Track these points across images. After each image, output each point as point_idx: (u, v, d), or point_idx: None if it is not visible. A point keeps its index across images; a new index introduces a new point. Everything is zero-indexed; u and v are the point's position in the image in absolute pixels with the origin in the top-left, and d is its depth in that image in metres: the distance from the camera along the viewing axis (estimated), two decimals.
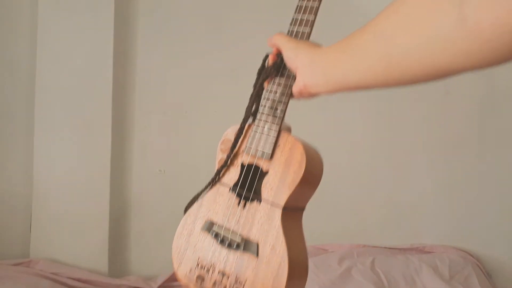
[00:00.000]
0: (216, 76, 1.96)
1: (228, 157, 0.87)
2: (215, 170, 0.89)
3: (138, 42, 2.00)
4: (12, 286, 1.56)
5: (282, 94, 0.83)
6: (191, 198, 0.95)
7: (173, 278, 1.82)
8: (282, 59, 0.81)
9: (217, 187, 0.89)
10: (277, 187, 0.80)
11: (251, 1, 1.93)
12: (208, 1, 1.99)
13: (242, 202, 0.84)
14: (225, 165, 0.87)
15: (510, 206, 1.89)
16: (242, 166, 0.86)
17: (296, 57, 0.72)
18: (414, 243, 1.91)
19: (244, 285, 0.79)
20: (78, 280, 1.74)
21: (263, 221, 0.80)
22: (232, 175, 0.87)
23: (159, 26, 2.01)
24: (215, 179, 0.89)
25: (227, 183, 0.87)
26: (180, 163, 1.98)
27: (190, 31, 1.99)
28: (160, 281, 1.79)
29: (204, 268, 0.85)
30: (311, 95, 0.74)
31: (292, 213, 0.82)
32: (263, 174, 0.83)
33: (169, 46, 2.00)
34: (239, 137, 0.87)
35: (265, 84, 0.85)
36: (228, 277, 0.81)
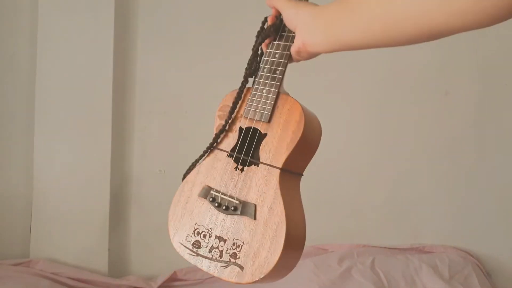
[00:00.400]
0: (216, 76, 1.96)
1: (226, 122, 0.86)
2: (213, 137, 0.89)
3: (138, 42, 2.00)
4: (12, 286, 1.56)
5: (281, 56, 0.82)
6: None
7: (173, 278, 1.83)
8: (281, 21, 0.80)
9: (215, 153, 0.88)
10: (275, 148, 0.79)
11: (251, 1, 1.93)
12: (208, 1, 1.99)
13: (240, 166, 0.83)
14: (223, 131, 0.86)
15: (509, 206, 1.90)
16: (240, 130, 0.85)
17: (296, 15, 0.72)
18: (414, 243, 1.91)
19: (241, 249, 0.78)
20: (78, 280, 1.75)
21: (260, 183, 0.79)
22: (230, 141, 0.86)
23: (159, 26, 2.00)
24: (213, 145, 0.88)
25: (225, 149, 0.86)
26: (180, 163, 1.97)
27: (190, 31, 1.99)
28: (160, 281, 1.79)
29: (200, 234, 0.84)
30: (310, 55, 0.74)
31: (291, 176, 0.81)
32: (262, 137, 0.82)
33: (169, 46, 2.00)
34: (238, 102, 0.86)
35: (264, 47, 0.85)
36: (225, 242, 0.80)
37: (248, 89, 0.87)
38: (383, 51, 1.96)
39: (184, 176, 0.92)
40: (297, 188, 0.84)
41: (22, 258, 1.85)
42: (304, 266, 1.67)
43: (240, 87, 0.87)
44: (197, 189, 0.88)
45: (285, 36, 0.82)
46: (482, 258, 1.88)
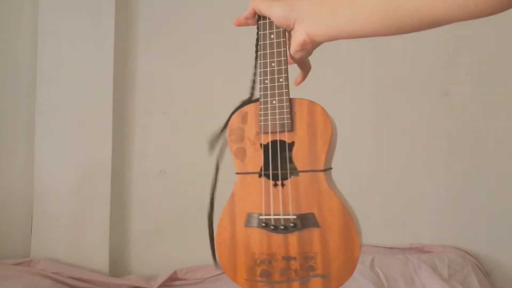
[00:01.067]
0: (216, 76, 1.97)
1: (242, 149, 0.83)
2: (234, 163, 0.85)
3: (138, 42, 2.00)
4: (13, 285, 1.55)
5: (279, 63, 0.80)
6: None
7: (173, 277, 1.83)
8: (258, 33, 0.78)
9: (242, 179, 0.84)
10: (308, 153, 0.78)
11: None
12: (208, 2, 2.00)
13: (278, 182, 0.80)
14: (221, 156, 0.85)
15: (509, 206, 1.90)
16: (264, 147, 0.82)
17: (292, 11, 0.71)
18: (413, 242, 1.91)
19: (316, 260, 0.76)
20: (79, 279, 1.75)
21: (309, 191, 0.77)
22: (256, 161, 0.82)
23: (159, 26, 2.01)
24: (217, 174, 0.86)
25: (253, 171, 0.83)
26: (180, 163, 1.98)
27: (190, 32, 1.99)
28: (160, 280, 1.79)
29: (264, 262, 0.80)
30: (315, 45, 0.73)
31: (329, 173, 0.81)
32: (290, 146, 0.80)
33: (170, 46, 2.00)
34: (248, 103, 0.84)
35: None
36: (296, 259, 0.78)
37: (249, 106, 0.84)
38: (382, 51, 1.96)
39: (210, 216, 0.86)
40: (333, 180, 0.84)
41: (23, 257, 1.85)
42: None
43: (246, 102, 0.84)
44: (240, 220, 0.83)
45: (275, 42, 0.80)
46: (481, 258, 1.88)
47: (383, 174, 1.95)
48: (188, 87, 2.00)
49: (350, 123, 1.97)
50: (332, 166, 0.85)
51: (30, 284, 1.58)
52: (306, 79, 2.08)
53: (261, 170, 0.82)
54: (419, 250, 1.88)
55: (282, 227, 0.78)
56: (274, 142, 0.81)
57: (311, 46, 0.74)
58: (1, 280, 1.57)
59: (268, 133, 0.81)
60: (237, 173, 0.85)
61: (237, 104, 0.86)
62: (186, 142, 1.96)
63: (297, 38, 0.72)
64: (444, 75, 1.94)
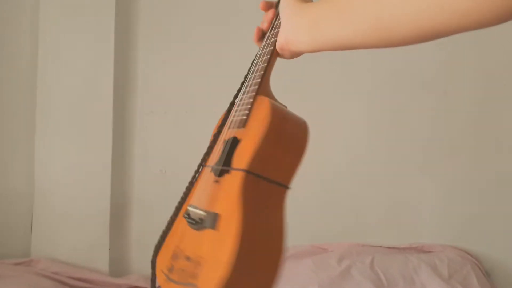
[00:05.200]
0: (217, 76, 1.96)
1: (216, 135, 0.79)
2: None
3: (139, 42, 2.00)
4: (13, 285, 1.56)
5: (264, 60, 0.75)
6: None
7: None
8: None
9: (205, 170, 0.81)
10: (244, 152, 0.70)
11: (252, 1, 1.93)
12: (208, 2, 2.00)
13: (216, 178, 0.73)
14: (211, 147, 0.79)
15: (508, 206, 1.90)
16: (224, 142, 0.77)
17: (285, 6, 0.66)
18: (413, 242, 1.91)
19: (201, 266, 0.65)
20: (79, 279, 1.75)
21: (226, 190, 0.69)
22: (215, 155, 0.78)
23: (160, 26, 2.01)
24: (200, 165, 0.81)
25: (209, 164, 0.79)
26: (180, 163, 1.98)
27: (190, 32, 1.99)
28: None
29: (175, 256, 0.73)
30: (292, 54, 0.68)
31: (263, 183, 0.67)
32: (237, 143, 0.73)
33: (170, 46, 2.00)
34: (228, 116, 0.79)
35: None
36: (189, 259, 0.69)
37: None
38: (381, 51, 1.96)
39: (179, 205, 0.81)
40: (274, 199, 0.69)
41: (23, 257, 1.85)
42: (303, 265, 1.68)
43: (233, 100, 0.80)
44: (184, 209, 0.79)
45: (267, 35, 0.76)
46: (481, 258, 1.88)
47: (382, 174, 1.95)
48: (188, 87, 2.00)
49: (349, 123, 1.98)
50: (289, 186, 0.70)
51: (30, 284, 1.58)
52: (306, 80, 2.08)
53: (215, 164, 0.76)
54: (419, 249, 1.88)
55: (194, 221, 0.71)
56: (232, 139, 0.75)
57: (289, 53, 0.68)
58: (2, 279, 1.57)
59: (231, 129, 0.76)
60: (203, 165, 0.84)
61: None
62: (187, 142, 1.96)
63: (278, 40, 0.68)
64: (443, 74, 1.94)
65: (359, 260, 1.73)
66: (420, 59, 1.90)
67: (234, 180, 0.68)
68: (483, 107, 1.93)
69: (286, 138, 0.70)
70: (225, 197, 0.68)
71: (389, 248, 1.87)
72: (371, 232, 1.96)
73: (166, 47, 2.00)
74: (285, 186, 0.70)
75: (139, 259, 1.99)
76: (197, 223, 0.70)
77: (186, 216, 0.74)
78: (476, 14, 0.39)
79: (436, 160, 1.94)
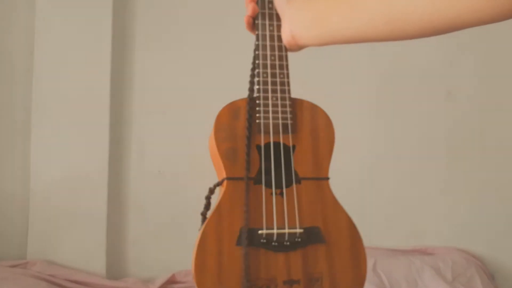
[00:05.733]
0: (215, 76, 1.95)
1: (247, 146, 0.70)
2: (222, 165, 0.73)
3: (136, 41, 1.99)
4: (8, 287, 1.54)
5: (280, 57, 0.73)
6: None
7: (171, 280, 1.81)
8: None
9: (234, 185, 0.70)
10: (312, 159, 0.71)
11: None
12: (207, 1, 1.98)
13: (277, 190, 0.70)
14: (248, 158, 0.70)
15: None
16: (259, 148, 0.72)
17: (287, 1, 0.65)
18: (416, 244, 1.90)
19: (322, 281, 0.66)
20: (76, 282, 1.73)
21: (312, 201, 0.69)
22: (251, 164, 0.71)
23: (157, 25, 1.99)
24: (255, 182, 0.71)
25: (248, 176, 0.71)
26: (179, 164, 1.96)
27: (189, 31, 1.98)
28: (158, 283, 1.78)
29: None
30: (299, 48, 0.67)
31: (329, 182, 0.75)
32: (290, 150, 0.71)
33: (168, 45, 1.99)
34: (251, 119, 0.72)
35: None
36: (299, 283, 0.66)
37: (243, 100, 0.75)
38: (384, 51, 1.94)
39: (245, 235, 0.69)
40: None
41: (19, 259, 1.83)
42: None
43: (249, 101, 0.74)
44: (230, 238, 0.68)
45: (276, 34, 0.73)
46: (485, 260, 1.87)
47: (385, 175, 1.94)
48: (188, 87, 1.98)
49: (352, 123, 1.96)
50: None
51: (26, 286, 1.57)
52: (308, 78, 2.05)
53: (257, 175, 0.70)
54: (422, 252, 1.87)
55: (285, 246, 0.66)
56: (272, 144, 0.71)
57: (296, 48, 0.67)
58: None
59: (266, 133, 0.71)
60: (227, 178, 0.71)
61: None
62: (185, 143, 1.94)
63: (282, 36, 0.67)
64: (446, 74, 1.93)
65: None
66: (423, 58, 1.89)
67: (317, 189, 0.70)
68: (486, 107, 1.92)
69: (334, 138, 0.76)
70: (314, 207, 0.69)
71: (392, 250, 1.86)
72: (374, 234, 1.94)
73: (164, 46, 1.99)
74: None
75: (136, 262, 1.97)
76: (293, 244, 0.67)
77: (264, 242, 0.66)
78: (485, 10, 0.39)
79: (439, 161, 1.93)
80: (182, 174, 1.94)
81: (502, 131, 1.91)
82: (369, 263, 1.70)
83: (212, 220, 0.69)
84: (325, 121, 0.73)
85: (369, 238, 1.89)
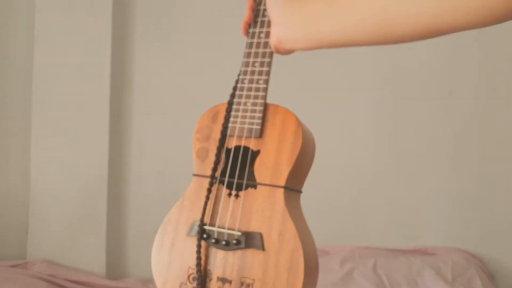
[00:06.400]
0: (215, 76, 1.95)
1: (219, 148, 0.75)
2: (194, 163, 0.78)
3: (136, 41, 1.99)
4: (8, 287, 1.54)
5: (261, 63, 0.73)
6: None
7: None
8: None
9: (199, 181, 0.77)
10: (273, 166, 0.70)
11: None
12: (206, 2, 1.98)
13: (234, 192, 0.73)
14: (218, 160, 0.75)
15: None
16: (227, 150, 0.75)
17: (274, 4, 0.62)
18: (416, 244, 1.90)
19: (253, 287, 0.67)
20: (76, 282, 1.74)
21: (263, 207, 0.69)
22: (213, 164, 0.76)
23: (157, 26, 1.99)
24: (213, 182, 0.75)
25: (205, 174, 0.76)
26: (179, 165, 1.96)
27: (189, 31, 1.98)
28: None
29: (198, 279, 0.71)
30: (287, 52, 0.66)
31: (293, 194, 0.73)
32: (254, 155, 0.73)
33: (168, 46, 1.99)
34: (228, 120, 0.76)
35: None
36: (230, 283, 0.69)
37: (223, 105, 0.79)
38: (385, 50, 1.94)
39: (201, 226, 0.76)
40: (300, 206, 0.75)
41: (19, 259, 1.83)
42: None
43: (229, 104, 0.77)
44: (184, 226, 0.76)
45: (262, 41, 0.74)
46: (485, 260, 1.86)
47: (386, 175, 1.94)
48: (186, 88, 1.98)
49: (352, 123, 1.96)
50: (302, 190, 0.76)
51: (26, 286, 1.57)
52: (309, 80, 2.05)
53: (221, 175, 0.74)
54: (422, 252, 1.87)
55: (224, 242, 0.69)
56: (239, 148, 0.74)
57: (284, 52, 0.66)
58: None
59: (234, 136, 0.74)
60: (194, 175, 0.80)
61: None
62: (185, 144, 1.93)
63: (270, 39, 0.66)
64: (448, 74, 1.93)
65: (361, 263, 1.71)
66: (424, 58, 1.89)
67: (270, 196, 0.69)
68: (487, 107, 1.92)
69: (309, 151, 0.74)
70: (263, 214, 0.68)
71: (392, 250, 1.86)
72: (374, 235, 1.94)
73: (164, 47, 1.99)
74: (301, 191, 0.75)
75: (136, 262, 1.98)
76: (228, 244, 0.69)
77: (206, 236, 0.72)
78: (481, 13, 0.38)
79: (440, 161, 1.93)
80: (181, 175, 1.93)
81: (503, 131, 1.90)
82: (369, 263, 1.71)
83: (175, 209, 0.79)
84: (294, 129, 0.70)
85: (369, 238, 1.91)
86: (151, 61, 1.99)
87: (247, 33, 0.79)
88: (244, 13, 0.84)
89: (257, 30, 0.76)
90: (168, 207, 2.13)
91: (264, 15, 0.75)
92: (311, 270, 0.68)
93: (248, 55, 0.76)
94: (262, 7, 0.75)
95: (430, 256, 1.82)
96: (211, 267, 0.71)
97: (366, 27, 0.49)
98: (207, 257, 0.72)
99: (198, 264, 0.71)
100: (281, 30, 0.60)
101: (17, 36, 1.92)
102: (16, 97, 1.92)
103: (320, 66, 1.81)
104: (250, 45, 0.76)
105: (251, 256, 0.68)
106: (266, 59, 0.73)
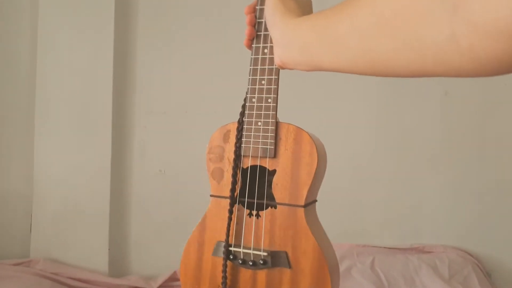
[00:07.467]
0: (216, 76, 1.96)
1: (234, 169, 0.74)
2: (210, 183, 0.78)
3: (138, 42, 2.00)
4: (12, 286, 1.55)
5: (269, 81, 0.73)
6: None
7: (173, 277, 1.82)
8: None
9: (217, 202, 0.77)
10: (290, 185, 0.71)
11: (252, 1, 1.93)
12: (208, 2, 1.99)
13: (254, 212, 0.73)
14: (235, 181, 0.75)
15: (509, 206, 1.89)
16: (243, 170, 0.76)
17: (273, 25, 0.61)
18: (413, 243, 1.90)
19: None
20: (78, 280, 1.74)
21: (285, 227, 0.70)
22: (231, 185, 0.76)
23: (159, 26, 2.00)
24: (234, 203, 0.75)
25: (229, 195, 0.76)
26: (180, 163, 1.98)
27: (190, 31, 1.99)
28: (160, 280, 1.79)
29: None
30: (291, 69, 0.65)
31: (311, 207, 0.75)
32: (270, 174, 0.73)
33: (169, 46, 2.00)
34: (241, 139, 0.76)
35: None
36: None
37: (233, 124, 0.78)
38: None
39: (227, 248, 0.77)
40: (316, 214, 0.76)
41: (22, 258, 1.85)
42: None
43: (239, 121, 0.76)
44: (208, 248, 0.76)
45: (267, 57, 0.73)
46: (482, 258, 1.87)
47: (383, 174, 1.95)
48: (188, 87, 1.99)
49: (350, 123, 1.97)
50: (317, 199, 0.78)
51: (29, 285, 1.58)
52: (306, 81, 2.07)
53: (237, 196, 0.75)
54: (420, 250, 1.88)
55: (251, 263, 0.71)
56: (254, 168, 0.74)
57: (288, 68, 0.65)
58: (1, 280, 1.57)
59: (248, 156, 0.74)
60: (211, 196, 0.79)
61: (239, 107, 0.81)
62: (186, 142, 1.96)
63: (274, 58, 0.63)
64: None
65: (359, 261, 1.72)
66: None
67: (290, 215, 0.70)
68: (484, 108, 1.92)
69: (324, 164, 0.75)
70: (286, 233, 0.69)
71: (389, 248, 1.87)
72: (372, 233, 1.95)
73: (166, 46, 2.00)
74: (316, 200, 0.77)
75: (139, 260, 1.99)
76: (255, 265, 0.70)
77: (232, 257, 0.73)
78: (468, 70, 0.37)
79: (437, 161, 1.94)
80: (183, 174, 1.96)
81: (499, 130, 1.91)
82: (367, 261, 1.72)
83: (196, 231, 0.79)
84: (308, 148, 0.70)
85: (367, 236, 1.92)
86: (153, 61, 2.00)
87: (250, 47, 0.78)
88: (245, 16, 0.85)
89: (261, 45, 0.75)
90: (170, 206, 2.15)
91: (266, 29, 0.74)
92: (335, 278, 0.69)
93: (254, 72, 0.75)
94: (264, 21, 0.74)
95: (428, 254, 1.83)
96: (240, 285, 0.72)
97: (357, 65, 0.47)
98: (234, 276, 0.73)
99: (224, 283, 0.73)
100: (281, 52, 0.58)
101: (20, 36, 1.93)
102: (20, 98, 1.93)
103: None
104: (255, 62, 0.75)
105: (279, 274, 0.70)
106: (274, 77, 0.73)
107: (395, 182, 1.95)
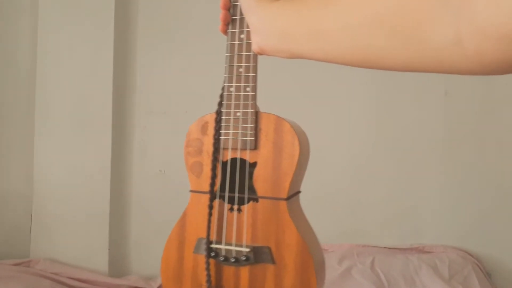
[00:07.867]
0: (216, 76, 1.96)
1: (213, 162, 0.72)
2: (189, 178, 0.73)
3: (138, 42, 2.00)
4: (12, 286, 1.55)
5: (246, 69, 0.69)
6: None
7: None
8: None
9: (197, 198, 0.75)
10: (272, 177, 0.67)
11: None
12: (208, 2, 1.99)
13: (235, 206, 0.70)
14: (214, 175, 0.72)
15: (509, 206, 1.89)
16: (223, 164, 0.72)
17: (249, 9, 0.56)
18: (414, 243, 1.90)
19: None
20: (78, 280, 1.74)
21: (268, 221, 0.67)
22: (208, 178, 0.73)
23: (159, 26, 2.00)
24: (213, 197, 0.73)
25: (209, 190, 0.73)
26: (180, 163, 1.98)
27: (190, 31, 1.99)
28: (160, 280, 1.79)
29: None
30: (270, 55, 0.61)
31: (294, 200, 0.71)
32: (251, 167, 0.70)
33: (169, 46, 2.00)
34: (219, 131, 0.72)
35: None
36: None
37: (211, 115, 0.74)
38: None
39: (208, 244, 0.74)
40: (300, 206, 0.73)
41: (22, 258, 1.85)
42: None
43: (217, 112, 0.73)
44: (189, 245, 0.74)
45: (245, 43, 0.68)
46: (482, 258, 1.87)
47: (383, 174, 1.95)
48: (188, 87, 1.99)
49: (350, 123, 1.97)
50: (301, 190, 0.74)
51: (29, 285, 1.58)
52: (305, 79, 2.07)
53: (217, 190, 0.72)
54: (420, 250, 1.88)
55: (234, 260, 0.68)
56: (234, 160, 0.71)
57: (267, 55, 0.60)
58: (1, 280, 1.57)
59: (228, 149, 0.70)
60: (191, 191, 0.76)
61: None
62: None
63: (252, 45, 0.59)
64: (444, 75, 1.93)
65: (359, 261, 1.72)
66: None
67: (272, 209, 0.66)
68: (484, 107, 1.92)
69: (306, 154, 0.70)
70: (268, 228, 0.66)
71: (390, 248, 1.87)
72: (372, 233, 1.95)
73: (166, 46, 2.00)
74: (299, 191, 0.73)
75: (139, 260, 1.99)
76: (239, 261, 0.67)
77: (213, 255, 0.70)
78: (470, 71, 0.36)
79: (437, 160, 1.94)
80: (183, 174, 1.95)
81: (499, 130, 1.91)
82: (367, 261, 1.72)
83: (177, 227, 0.76)
84: (289, 138, 0.66)
85: (367, 236, 1.92)
86: (153, 61, 2.00)
87: (226, 33, 0.74)
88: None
89: (237, 30, 0.71)
90: (170, 206, 2.14)
91: (242, 13, 0.67)
92: (320, 273, 0.67)
93: (230, 59, 0.71)
94: (239, 4, 0.67)
95: (428, 254, 1.83)
96: (223, 283, 0.70)
97: (348, 61, 0.44)
98: (217, 273, 0.71)
99: (208, 281, 0.70)
100: (260, 40, 0.54)
101: (20, 36, 1.93)
102: (20, 99, 1.93)
103: (317, 64, 1.82)
104: (231, 48, 0.71)
105: (262, 270, 0.67)
106: (251, 64, 0.69)
107: (395, 182, 1.95)
